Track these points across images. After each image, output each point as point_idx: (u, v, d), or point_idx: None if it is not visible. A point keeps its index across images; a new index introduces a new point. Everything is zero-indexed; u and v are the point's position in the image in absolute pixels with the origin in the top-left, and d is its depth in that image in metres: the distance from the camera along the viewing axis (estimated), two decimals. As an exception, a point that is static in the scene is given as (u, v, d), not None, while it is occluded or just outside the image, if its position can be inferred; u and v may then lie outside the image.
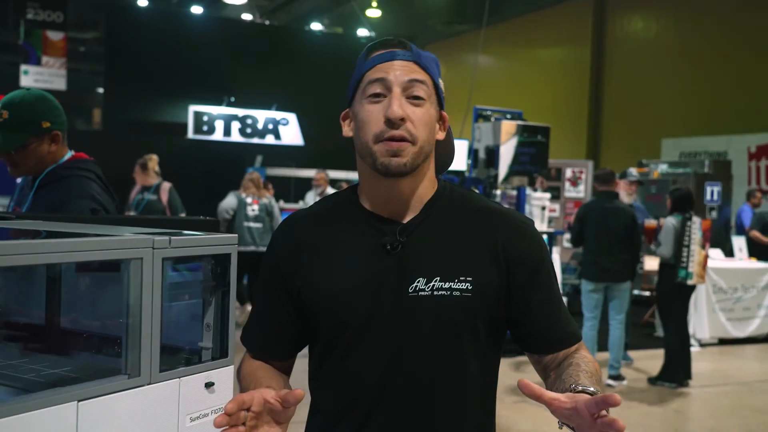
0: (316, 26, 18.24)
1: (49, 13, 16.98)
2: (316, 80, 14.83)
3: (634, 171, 7.25)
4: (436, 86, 1.38)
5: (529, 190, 7.72)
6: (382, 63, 1.35)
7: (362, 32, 17.55)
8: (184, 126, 14.29)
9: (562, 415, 1.12)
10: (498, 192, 7.94)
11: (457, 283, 1.33)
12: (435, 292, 1.33)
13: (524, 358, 6.50)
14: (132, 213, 6.94)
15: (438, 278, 1.33)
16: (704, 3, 13.70)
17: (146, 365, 1.16)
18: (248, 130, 14.83)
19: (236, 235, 1.33)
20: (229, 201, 7.71)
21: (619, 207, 6.32)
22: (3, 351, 1.31)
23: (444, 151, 1.49)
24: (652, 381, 6.40)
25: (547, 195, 7.93)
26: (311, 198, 9.74)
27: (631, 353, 7.27)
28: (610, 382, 6.30)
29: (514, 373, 6.43)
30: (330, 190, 9.15)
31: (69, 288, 1.37)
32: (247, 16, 18.23)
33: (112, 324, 1.30)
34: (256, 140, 14.78)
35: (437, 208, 1.40)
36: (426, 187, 1.40)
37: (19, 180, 2.65)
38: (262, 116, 14.99)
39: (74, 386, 1.08)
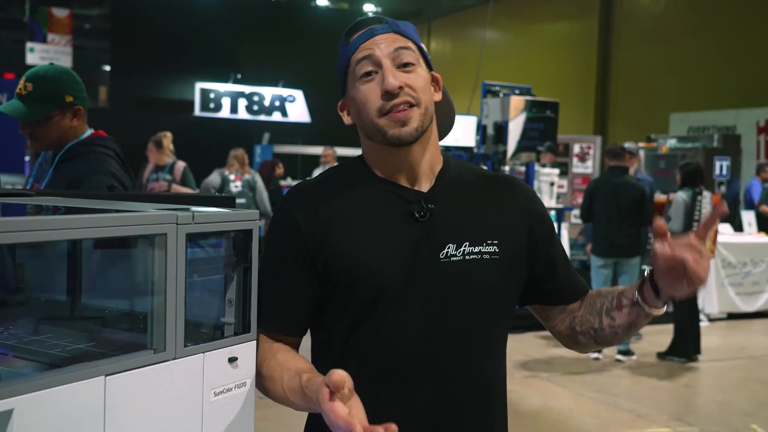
0: (322, 2, 18.11)
1: (54, -10, 16.93)
2: (322, 57, 14.70)
3: (627, 143, 7.23)
4: (420, 49, 1.40)
5: (537, 166, 7.69)
6: (365, 42, 1.37)
7: (368, 7, 17.43)
8: (191, 103, 14.28)
9: (667, 258, 1.24)
10: (507, 168, 7.92)
11: (485, 246, 1.38)
12: (467, 257, 1.36)
13: (527, 335, 6.54)
14: None
15: (467, 243, 1.37)
16: (714, -25, 13.56)
17: (171, 340, 1.16)
18: (255, 107, 14.80)
19: (257, 211, 1.33)
20: (213, 178, 7.69)
21: (629, 182, 6.31)
22: (27, 327, 1.31)
23: (443, 113, 1.50)
24: (662, 356, 6.42)
25: (556, 171, 7.90)
26: (318, 174, 9.73)
27: (642, 329, 7.28)
28: (620, 357, 6.32)
29: (523, 348, 6.45)
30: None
31: (91, 264, 1.38)
32: (253, -8, 18.12)
33: (135, 300, 1.31)
34: (263, 117, 14.76)
35: (450, 177, 1.44)
36: (435, 156, 1.43)
37: (27, 159, 2.66)
38: (268, 93, 14.95)
39: (102, 361, 1.08)
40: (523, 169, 7.81)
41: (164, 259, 1.15)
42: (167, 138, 6.94)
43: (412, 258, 1.35)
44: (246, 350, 1.31)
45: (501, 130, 7.51)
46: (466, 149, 7.87)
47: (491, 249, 1.38)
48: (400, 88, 1.32)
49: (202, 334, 1.27)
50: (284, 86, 15.04)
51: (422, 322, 1.35)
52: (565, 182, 11.31)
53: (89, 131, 2.52)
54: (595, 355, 6.31)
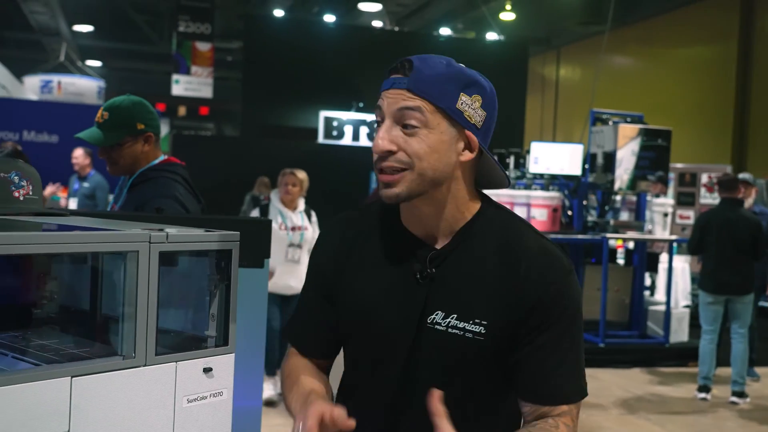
0: (446, 31, 18.29)
1: (198, 26, 18.12)
2: (444, 85, 14.90)
3: (742, 174, 6.82)
4: (441, 109, 1.30)
5: (649, 196, 7.42)
6: (383, 90, 1.35)
7: (491, 36, 17.44)
8: (315, 131, 14.78)
9: None
10: (618, 198, 7.70)
11: (471, 324, 1.33)
12: (449, 330, 1.34)
13: (633, 371, 6.29)
14: None
15: (455, 316, 1.34)
16: None
17: (141, 348, 1.27)
18: (376, 135, 15.11)
19: (238, 232, 1.41)
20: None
21: (744, 216, 5.95)
22: (42, 333, 1.47)
23: (484, 173, 1.42)
24: (779, 400, 5.99)
25: (670, 201, 7.59)
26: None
27: (760, 369, 6.82)
28: (734, 399, 5.95)
29: (625, 384, 6.20)
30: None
31: (108, 275, 1.52)
32: (377, 23, 18.58)
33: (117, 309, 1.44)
34: (383, 144, 15.03)
35: (469, 238, 1.38)
36: (455, 213, 1.38)
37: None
38: (390, 121, 15.22)
39: (70, 363, 1.21)
40: (634, 198, 7.57)
41: (135, 274, 1.27)
42: None
43: (403, 319, 1.38)
44: (223, 362, 1.40)
45: (609, 158, 7.32)
46: (573, 178, 7.70)
47: (477, 329, 1.32)
48: (389, 152, 1.30)
49: (179, 344, 1.38)
50: (405, 114, 15.28)
51: (401, 380, 1.39)
52: (690, 213, 10.80)
53: (162, 157, 2.74)
54: (703, 395, 5.96)
